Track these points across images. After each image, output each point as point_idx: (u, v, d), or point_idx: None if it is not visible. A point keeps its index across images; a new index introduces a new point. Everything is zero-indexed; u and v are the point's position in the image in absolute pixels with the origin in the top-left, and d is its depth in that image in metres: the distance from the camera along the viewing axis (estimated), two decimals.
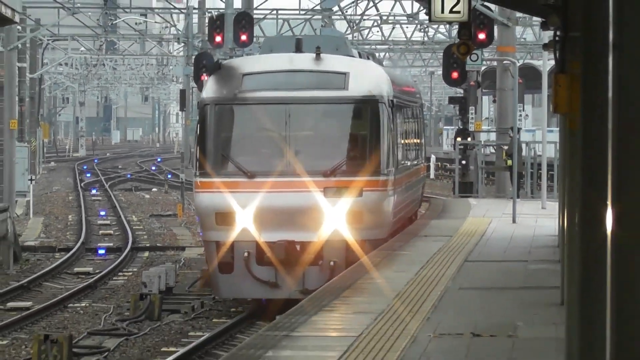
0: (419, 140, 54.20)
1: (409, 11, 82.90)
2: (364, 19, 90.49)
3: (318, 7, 79.83)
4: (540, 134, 64.21)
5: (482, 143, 74.79)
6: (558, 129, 32.33)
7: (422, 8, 52.30)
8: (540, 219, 48.95)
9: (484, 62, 69.82)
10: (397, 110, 36.42)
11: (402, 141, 38.77)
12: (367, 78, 31.50)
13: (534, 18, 51.36)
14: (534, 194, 65.14)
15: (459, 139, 73.78)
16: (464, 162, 71.73)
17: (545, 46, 29.31)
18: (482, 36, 45.70)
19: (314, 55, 31.90)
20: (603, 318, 8.69)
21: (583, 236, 9.66)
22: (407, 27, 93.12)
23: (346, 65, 31.55)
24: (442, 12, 25.12)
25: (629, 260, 7.87)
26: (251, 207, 28.34)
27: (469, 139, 73.17)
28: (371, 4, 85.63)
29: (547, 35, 30.83)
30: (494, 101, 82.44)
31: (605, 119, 8.98)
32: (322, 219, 29.41)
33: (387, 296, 27.03)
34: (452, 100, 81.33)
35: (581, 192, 10.99)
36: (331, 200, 28.29)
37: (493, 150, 74.02)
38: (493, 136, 75.59)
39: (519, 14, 54.88)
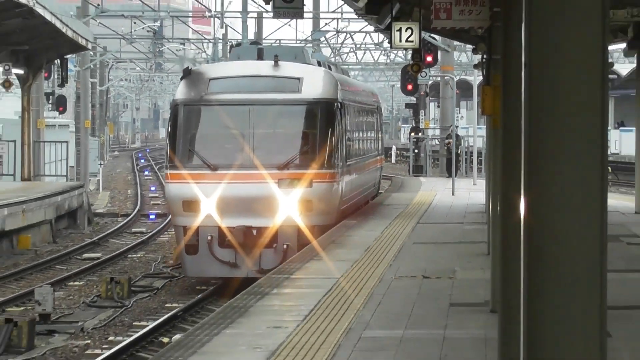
0: (374, 136, 49.15)
1: (376, 41, 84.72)
2: (343, 46, 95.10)
3: (309, 38, 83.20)
4: (472, 130, 67.70)
5: (430, 137, 75.83)
6: (485, 127, 30.76)
7: (385, 38, 52.38)
8: (472, 192, 49.18)
9: (431, 78, 74.62)
10: (347, 111, 33.33)
11: (354, 138, 35.75)
12: (318, 83, 29.17)
13: (467, 45, 52.42)
14: (467, 174, 65.99)
15: (412, 134, 75.41)
16: (416, 151, 73.53)
17: (476, 66, 33.42)
18: (429, 59, 46.55)
19: (273, 62, 29.49)
20: (517, 263, 8.30)
21: (503, 207, 9.75)
22: (374, 52, 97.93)
23: (300, 71, 29.23)
24: (400, 41, 25.48)
25: (534, 223, 7.80)
26: (214, 196, 26.45)
27: (420, 134, 74.79)
28: (348, 35, 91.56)
29: (477, 58, 30.41)
30: (438, 106, 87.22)
31: (519, 120, 8.49)
32: (276, 207, 27.27)
33: (360, 249, 28.01)
34: (407, 105, 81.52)
35: (501, 173, 11.28)
36: (284, 190, 26.63)
37: (437, 142, 74.87)
38: (437, 132, 75.91)
39: (456, 43, 59.26)
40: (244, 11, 74.15)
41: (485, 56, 22.28)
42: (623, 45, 35.16)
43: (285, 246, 26.34)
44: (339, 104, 28.99)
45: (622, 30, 32.70)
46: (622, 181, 47.59)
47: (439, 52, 54.95)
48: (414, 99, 74.08)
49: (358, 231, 33.34)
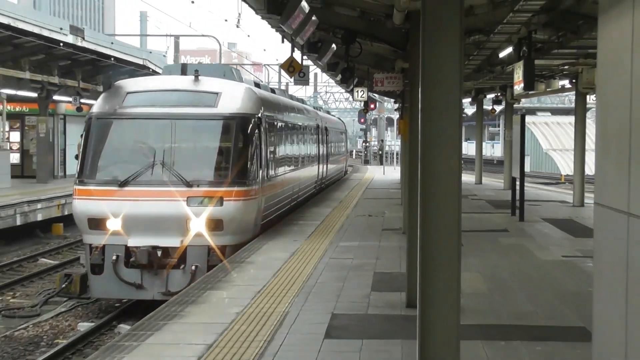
0: (312, 151, 41.85)
1: (346, 96, 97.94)
2: (330, 99, 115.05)
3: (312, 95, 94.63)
4: (394, 142, 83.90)
5: (372, 145, 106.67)
6: (400, 140, 38.66)
7: (350, 95, 55.58)
8: (393, 173, 63.78)
9: (373, 115, 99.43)
10: (274, 127, 28.28)
11: (282, 153, 30.32)
12: (237, 98, 24.36)
13: (391, 99, 64.05)
14: (392, 164, 78.72)
15: (364, 143, 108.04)
16: (365, 152, 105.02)
17: (397, 109, 35.94)
18: (372, 106, 57.15)
19: (193, 77, 24.84)
20: (416, 208, 9.66)
21: (409, 180, 11.46)
22: (346, 102, 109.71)
23: (219, 86, 24.61)
24: (358, 97, 40.51)
25: (424, 188, 9.72)
26: (121, 213, 21.81)
27: (367, 144, 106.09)
28: (331, 94, 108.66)
29: (398, 105, 38.89)
30: (376, 130, 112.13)
31: (417, 137, 9.87)
32: (185, 226, 22.01)
33: (335, 202, 32.28)
34: (361, 129, 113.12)
35: (408, 164, 13.65)
36: (193, 208, 21.90)
37: (375, 148, 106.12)
38: (375, 143, 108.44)
39: (385, 97, 67.46)
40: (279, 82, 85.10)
41: (400, 104, 36.11)
42: (469, 99, 51.15)
43: (194, 267, 21.48)
44: (258, 119, 24.07)
45: (468, 91, 47.21)
46: (469, 169, 57.85)
47: (377, 103, 72.53)
48: (364, 126, 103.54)
49: (334, 193, 37.59)
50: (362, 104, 49.73)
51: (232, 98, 23.75)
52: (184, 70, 26.67)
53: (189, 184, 22.00)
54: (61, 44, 39.53)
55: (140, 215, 21.94)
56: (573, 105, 39.05)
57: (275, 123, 28.54)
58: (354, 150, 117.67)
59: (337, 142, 58.29)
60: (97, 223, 22.12)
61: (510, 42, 24.18)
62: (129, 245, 21.85)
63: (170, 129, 23.20)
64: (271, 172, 26.07)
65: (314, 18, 19.96)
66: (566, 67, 33.68)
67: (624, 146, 6.17)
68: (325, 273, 17.84)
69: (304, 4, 18.56)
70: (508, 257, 20.37)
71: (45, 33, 37.24)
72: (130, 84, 24.81)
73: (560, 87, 38.76)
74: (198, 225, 21.70)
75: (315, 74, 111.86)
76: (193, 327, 12.95)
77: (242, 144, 23.18)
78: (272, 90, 35.66)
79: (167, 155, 22.71)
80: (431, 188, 9.83)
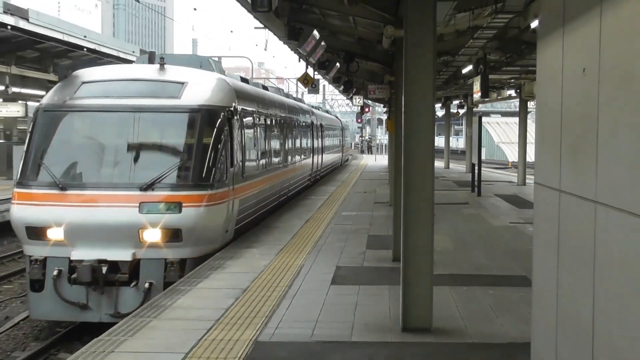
0: (305, 145, 31.90)
1: (347, 101, 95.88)
2: (336, 104, 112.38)
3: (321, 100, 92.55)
4: (383, 136, 78.18)
5: (366, 139, 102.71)
6: (388, 135, 35.65)
7: (350, 100, 53.69)
8: (383, 160, 59.52)
9: (367, 116, 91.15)
10: (252, 121, 20.44)
11: (266, 149, 22.26)
12: (205, 89, 17.42)
13: (382, 105, 62.40)
14: (382, 153, 79.90)
15: (360, 137, 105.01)
16: (361, 144, 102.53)
17: (385, 112, 35.45)
18: (367, 109, 55.63)
19: (159, 66, 17.84)
20: (400, 184, 9.74)
21: (394, 165, 11.39)
22: (346, 104, 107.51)
23: (186, 76, 17.69)
24: (355, 103, 42.01)
25: (405, 171, 9.77)
26: (63, 221, 15.08)
27: (362, 138, 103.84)
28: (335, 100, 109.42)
29: (386, 109, 37.14)
30: (369, 127, 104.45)
31: (401, 132, 9.96)
32: (138, 236, 15.10)
33: (340, 180, 29.37)
34: (358, 127, 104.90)
35: (395, 153, 13.52)
36: (147, 216, 15.06)
37: (368, 141, 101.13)
38: (368, 137, 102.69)
39: (376, 103, 64.79)
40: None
41: (388, 108, 31.65)
42: (440, 104, 50.46)
43: (147, 284, 14.66)
44: (230, 113, 16.81)
45: (439, 98, 46.27)
46: (439, 157, 57.83)
47: (370, 107, 69.57)
48: (360, 125, 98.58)
49: (338, 175, 31.84)
50: (359, 107, 49.65)
51: (200, 88, 16.45)
52: (151, 58, 18.85)
53: (142, 188, 14.82)
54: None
55: (86, 224, 14.89)
56: (517, 109, 38.87)
57: (256, 117, 20.96)
58: (353, 143, 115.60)
59: (333, 137, 49.64)
60: (36, 232, 15.20)
61: (471, 61, 24.26)
62: (72, 258, 14.79)
63: (125, 124, 16.04)
64: (249, 171, 18.74)
65: (322, 43, 19.98)
66: (512, 80, 33.77)
67: (556, 140, 6.21)
68: (332, 235, 17.86)
69: (315, 33, 18.60)
70: (469, 224, 20.37)
71: (122, 55, 37.34)
72: (87, 73, 17.24)
73: (508, 95, 38.79)
74: (152, 235, 14.62)
75: (324, 85, 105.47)
76: (232, 275, 12.95)
77: (208, 140, 15.87)
78: (265, 87, 26.99)
79: (120, 154, 15.77)
80: (411, 171, 9.87)
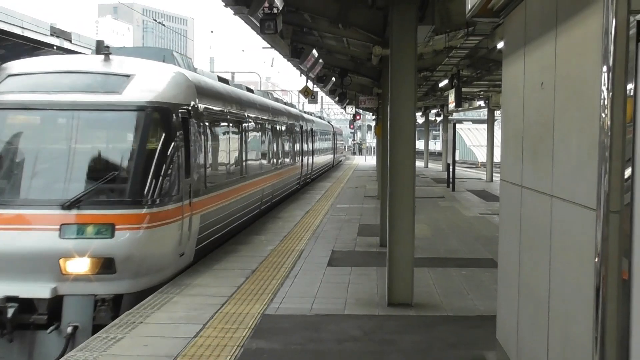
0: (292, 150, 25.70)
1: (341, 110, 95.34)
2: (332, 112, 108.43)
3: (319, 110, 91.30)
4: (372, 140, 77.73)
5: (357, 142, 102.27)
6: (376, 139, 35.03)
7: (343, 108, 51.48)
8: (372, 161, 56.86)
9: (359, 123, 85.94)
10: (222, 124, 14.64)
11: (241, 155, 16.10)
12: (156, 83, 11.04)
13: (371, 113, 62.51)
14: (371, 154, 78.95)
15: (352, 141, 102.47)
16: (353, 147, 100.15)
17: (374, 119, 35.26)
18: (358, 117, 53.50)
19: (103, 56, 11.43)
20: (386, 181, 9.69)
21: (381, 165, 11.36)
22: (341, 112, 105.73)
23: (135, 67, 11.18)
24: (347, 111, 39.19)
25: (391, 170, 9.65)
26: None
27: (354, 141, 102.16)
28: (331, 108, 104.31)
29: (374, 117, 36.90)
30: (360, 132, 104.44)
31: (387, 137, 9.93)
32: (58, 268, 8.94)
33: (335, 177, 30.15)
34: (351, 132, 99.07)
35: (381, 154, 13.56)
36: (70, 242, 8.84)
37: (359, 144, 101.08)
38: (359, 141, 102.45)
39: (367, 112, 64.20)
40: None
41: (376, 116, 31.19)
42: (420, 113, 48.40)
43: (71, 328, 9.22)
44: (188, 112, 11.80)
45: (419, 108, 45.16)
46: (419, 158, 57.93)
47: (361, 115, 64.32)
48: (353, 130, 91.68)
49: (334, 173, 31.34)
50: (352, 115, 49.55)
51: (148, 83, 11.16)
52: (98, 47, 12.67)
53: (64, 205, 9.72)
54: None
55: None
56: (486, 117, 38.85)
57: (229, 119, 15.45)
58: (346, 146, 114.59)
59: (325, 140, 43.08)
60: None
61: (446, 76, 24.26)
62: None
63: (50, 124, 11.04)
64: (216, 180, 13.60)
65: (320, 61, 20.00)
66: (482, 93, 33.76)
67: (519, 143, 6.25)
68: (328, 224, 17.85)
69: (314, 52, 18.63)
70: (444, 214, 20.37)
71: None
72: (19, 64, 12.00)
73: (478, 105, 38.74)
74: (78, 266, 9.66)
75: (322, 97, 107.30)
76: (242, 258, 12.90)
77: (154, 144, 10.77)
78: (250, 90, 20.92)
79: (41, 162, 10.57)
80: (396, 170, 9.85)
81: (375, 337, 8.14)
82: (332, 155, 48.92)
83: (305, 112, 37.46)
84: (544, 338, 5.36)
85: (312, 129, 34.22)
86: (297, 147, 28.00)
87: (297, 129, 28.35)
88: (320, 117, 50.99)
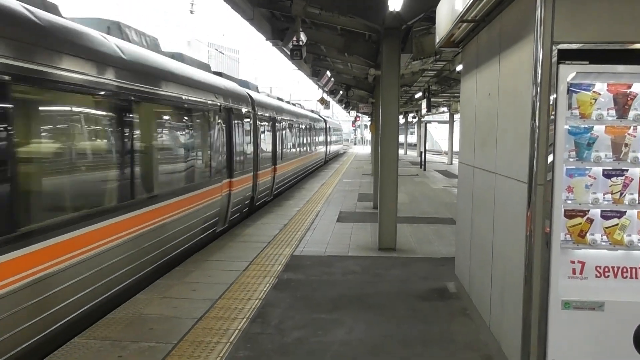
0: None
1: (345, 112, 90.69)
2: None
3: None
4: (368, 135, 73.28)
5: (359, 137, 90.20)
6: (371, 134, 32.79)
7: (348, 111, 49.54)
8: (368, 150, 54.95)
9: (358, 123, 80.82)
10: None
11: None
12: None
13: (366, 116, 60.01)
14: (367, 145, 74.97)
15: (354, 136, 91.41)
16: (355, 140, 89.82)
17: (369, 120, 34.61)
18: (358, 118, 52.64)
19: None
20: (377, 176, 9.36)
21: (374, 156, 11.10)
22: (346, 115, 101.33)
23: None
24: (350, 114, 34.69)
25: (381, 161, 9.36)
26: None
27: (355, 136, 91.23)
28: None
29: (370, 118, 35.54)
30: (360, 130, 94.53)
31: (378, 133, 9.48)
32: None
33: (342, 161, 29.07)
34: (352, 130, 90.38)
35: (374, 147, 13.17)
36: None
37: (352, 138, 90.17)
38: (354, 136, 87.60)
39: (364, 115, 61.86)
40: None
41: (370, 118, 25.89)
42: (402, 116, 45.29)
43: None
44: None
45: (401, 113, 39.91)
46: (401, 147, 56.58)
47: (360, 117, 62.47)
48: (354, 129, 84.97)
49: (341, 157, 28.39)
50: (354, 117, 49.32)
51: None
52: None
53: None
54: None
55: None
56: (448, 119, 38.64)
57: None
58: (349, 139, 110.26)
59: (337, 134, 34.93)
60: None
61: (420, 90, 24.08)
62: None
63: None
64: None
65: (332, 79, 19.89)
66: (445, 102, 33.52)
67: (472, 136, 6.20)
68: (336, 193, 17.77)
69: (328, 72, 18.53)
70: (418, 187, 20.25)
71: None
72: None
73: (442, 111, 38.51)
74: None
75: (333, 105, 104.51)
76: (277, 216, 12.72)
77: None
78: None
79: None
80: (384, 155, 9.64)
81: (369, 271, 8.07)
82: (341, 145, 49.49)
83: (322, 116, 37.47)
84: (488, 273, 5.32)
85: (329, 127, 35.00)
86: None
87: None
88: (312, 111, 46.77)
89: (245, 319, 5.99)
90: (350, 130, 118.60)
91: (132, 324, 5.70)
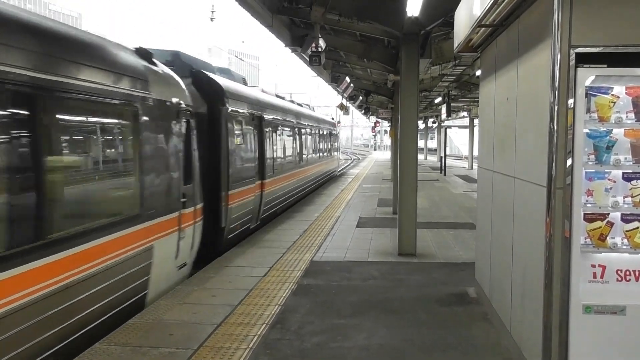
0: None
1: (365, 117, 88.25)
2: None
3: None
4: (387, 140, 73.08)
5: (378, 143, 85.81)
6: (391, 139, 32.94)
7: (367, 117, 48.56)
8: (387, 155, 54.25)
9: (378, 128, 76.96)
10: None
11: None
12: None
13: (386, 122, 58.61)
14: (387, 150, 73.04)
15: (374, 142, 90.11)
16: (374, 145, 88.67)
17: (389, 126, 34.36)
18: (377, 124, 51.68)
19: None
20: (396, 169, 9.33)
21: (394, 161, 11.04)
22: (365, 120, 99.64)
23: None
24: (370, 120, 34.84)
25: (400, 166, 9.36)
26: None
27: (375, 142, 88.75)
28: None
29: (389, 123, 34.91)
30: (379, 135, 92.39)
31: (397, 138, 9.40)
32: None
33: (362, 166, 28.71)
34: (372, 135, 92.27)
35: (393, 151, 12.98)
36: None
37: (370, 144, 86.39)
38: (373, 142, 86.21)
39: (384, 120, 60.96)
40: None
41: (390, 123, 26.01)
42: (421, 121, 44.10)
43: None
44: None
45: (420, 118, 41.12)
46: (420, 152, 55.96)
47: (380, 122, 60.46)
48: (374, 134, 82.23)
49: (361, 163, 27.35)
50: (373, 123, 49.26)
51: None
52: None
53: None
54: None
55: None
56: (468, 124, 38.41)
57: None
58: (370, 145, 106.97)
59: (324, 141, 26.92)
60: None
61: (440, 95, 24.01)
62: None
63: None
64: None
65: (351, 85, 19.91)
66: (465, 106, 33.36)
67: (491, 140, 6.18)
68: (356, 198, 17.75)
69: (347, 78, 18.55)
70: (438, 191, 20.16)
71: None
72: None
73: (462, 115, 38.30)
74: None
75: (352, 110, 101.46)
76: (297, 222, 12.76)
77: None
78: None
79: None
80: (404, 160, 9.62)
81: (389, 277, 8.04)
82: (335, 161, 40.18)
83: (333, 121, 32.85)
84: (508, 278, 5.29)
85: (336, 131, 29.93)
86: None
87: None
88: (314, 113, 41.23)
89: (264, 325, 6.01)
90: (370, 136, 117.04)
91: (152, 330, 5.74)
